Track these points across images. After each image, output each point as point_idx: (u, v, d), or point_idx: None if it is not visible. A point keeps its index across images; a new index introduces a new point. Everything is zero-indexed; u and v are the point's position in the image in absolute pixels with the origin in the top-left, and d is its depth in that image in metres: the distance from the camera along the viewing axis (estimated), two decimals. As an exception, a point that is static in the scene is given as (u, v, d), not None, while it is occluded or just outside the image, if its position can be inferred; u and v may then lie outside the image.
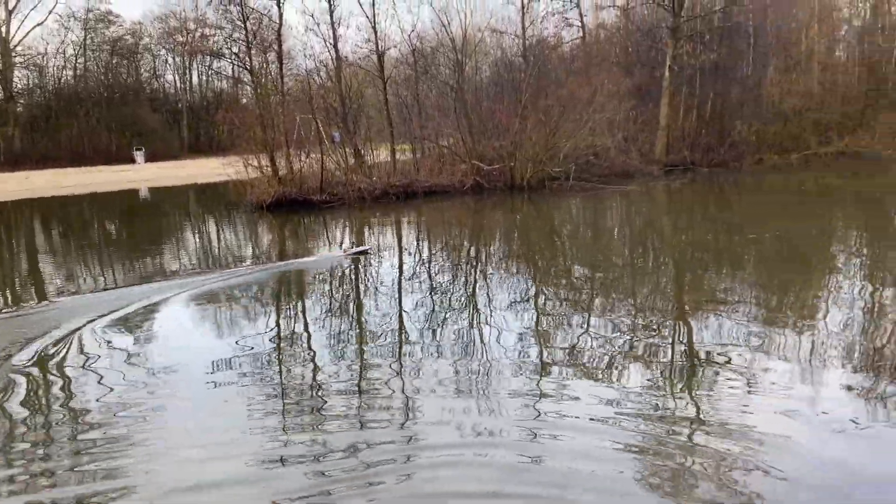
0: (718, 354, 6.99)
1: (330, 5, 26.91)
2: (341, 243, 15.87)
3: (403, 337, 8.26)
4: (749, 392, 5.95)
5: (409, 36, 27.75)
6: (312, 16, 27.69)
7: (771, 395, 5.82)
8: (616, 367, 6.81)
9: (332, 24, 27.13)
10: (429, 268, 13.20)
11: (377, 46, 26.66)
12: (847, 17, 38.44)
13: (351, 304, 10.40)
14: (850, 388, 5.77)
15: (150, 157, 50.33)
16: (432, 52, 28.37)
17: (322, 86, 27.42)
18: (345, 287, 11.79)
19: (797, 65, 31.34)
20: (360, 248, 14.54)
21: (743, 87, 29.48)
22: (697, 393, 6.06)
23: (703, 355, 7.07)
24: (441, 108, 27.57)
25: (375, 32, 26.60)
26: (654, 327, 8.30)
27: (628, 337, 7.87)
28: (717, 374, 6.50)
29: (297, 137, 24.76)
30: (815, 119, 29.83)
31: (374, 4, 26.78)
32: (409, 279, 12.15)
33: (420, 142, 27.41)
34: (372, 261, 13.55)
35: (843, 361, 6.48)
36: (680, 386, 6.24)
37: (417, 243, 16.20)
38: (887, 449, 4.66)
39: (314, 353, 7.79)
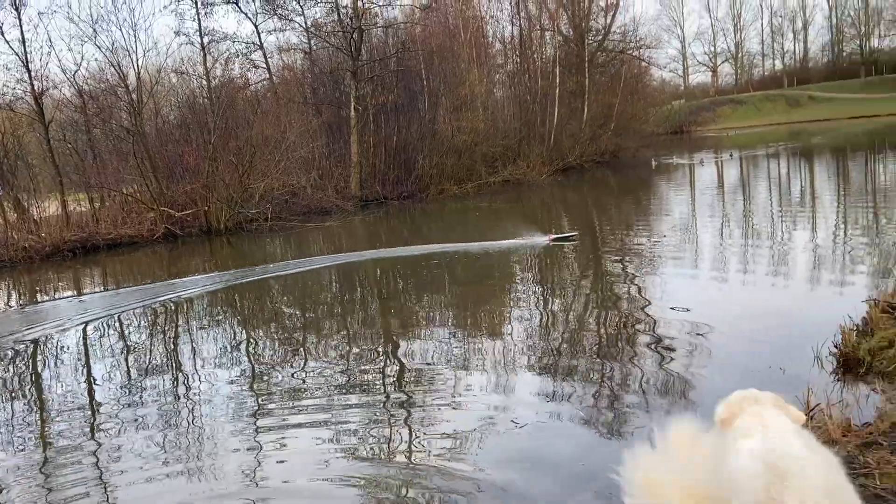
0: (426, 372, 7.64)
1: (-33, 41, 23.21)
2: (550, 229, 16.01)
3: (95, 405, 7.49)
4: (452, 401, 6.61)
5: (74, 76, 25.17)
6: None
7: (467, 402, 6.54)
8: (333, 397, 6.97)
9: (-28, 61, 23.43)
10: (129, 324, 12.02)
11: (33, 87, 23.65)
12: (502, 63, 44.68)
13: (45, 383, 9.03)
14: (523, 393, 6.69)
15: None
16: (104, 93, 25.98)
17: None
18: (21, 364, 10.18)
19: (464, 104, 35.29)
20: (568, 234, 15.30)
21: (421, 124, 32.28)
22: (411, 402, 6.54)
23: (412, 374, 7.62)
24: (120, 152, 25.40)
25: (29, 72, 23.62)
26: (366, 353, 8.69)
27: (342, 366, 8.12)
28: (424, 389, 7.07)
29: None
30: (483, 152, 33.85)
31: (24, 41, 23.61)
32: (99, 337, 10.95)
33: (98, 190, 24.87)
34: (54, 332, 11.92)
35: (518, 369, 7.47)
36: (393, 405, 6.64)
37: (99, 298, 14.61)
38: (538, 442, 5.51)
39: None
